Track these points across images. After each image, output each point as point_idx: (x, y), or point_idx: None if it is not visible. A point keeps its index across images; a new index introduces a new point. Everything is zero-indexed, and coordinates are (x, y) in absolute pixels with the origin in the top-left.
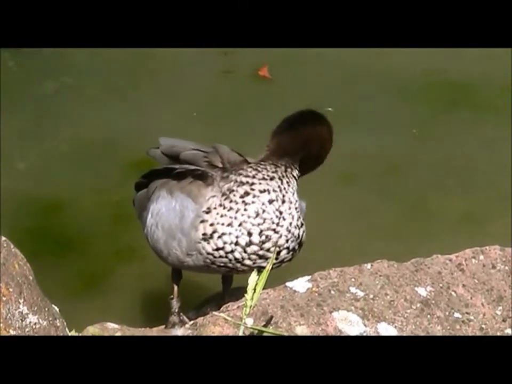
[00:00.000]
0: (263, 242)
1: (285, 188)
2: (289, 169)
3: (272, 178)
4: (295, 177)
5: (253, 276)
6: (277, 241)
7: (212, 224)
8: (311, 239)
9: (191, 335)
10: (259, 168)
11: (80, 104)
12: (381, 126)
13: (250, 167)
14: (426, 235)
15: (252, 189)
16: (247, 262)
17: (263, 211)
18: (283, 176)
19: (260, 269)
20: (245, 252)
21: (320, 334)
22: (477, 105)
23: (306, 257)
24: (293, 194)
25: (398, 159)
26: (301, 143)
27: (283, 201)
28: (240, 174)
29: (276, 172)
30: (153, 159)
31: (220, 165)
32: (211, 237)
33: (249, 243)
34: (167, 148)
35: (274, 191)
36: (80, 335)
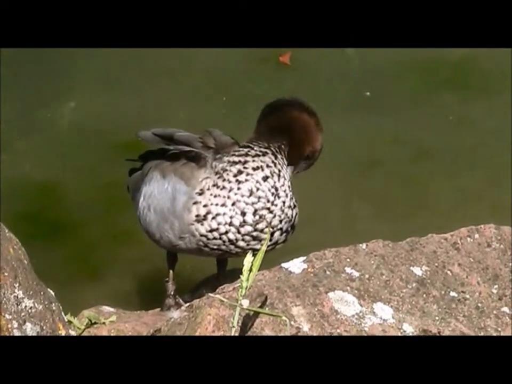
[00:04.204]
0: (257, 223)
1: (279, 163)
2: (282, 146)
3: (265, 154)
4: (286, 158)
5: (248, 257)
6: (270, 222)
7: (205, 205)
8: (306, 220)
9: (187, 317)
10: (251, 145)
11: (75, 88)
12: (400, 113)
13: (243, 145)
14: (421, 214)
15: (245, 167)
16: (241, 243)
17: (257, 189)
18: (277, 152)
19: (254, 251)
20: (239, 232)
21: (316, 315)
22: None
23: (301, 238)
24: (286, 171)
25: (418, 144)
26: (284, 124)
27: (278, 176)
28: (233, 155)
29: (269, 147)
30: (143, 141)
31: (213, 146)
32: (205, 218)
33: (243, 223)
34: (160, 129)
35: (268, 166)
36: (76, 319)
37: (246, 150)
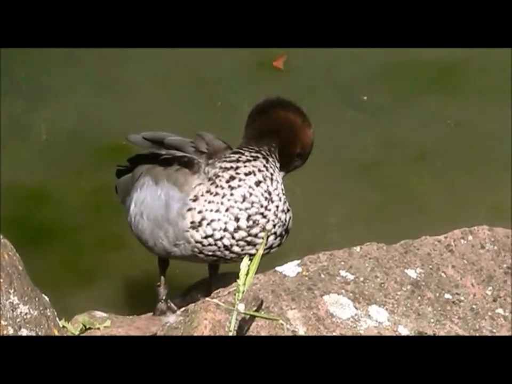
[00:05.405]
0: (251, 228)
1: (271, 167)
2: (272, 149)
3: (256, 159)
4: (277, 159)
5: (245, 261)
6: (264, 226)
7: (200, 212)
8: (300, 223)
9: (183, 322)
10: (241, 151)
11: (64, 93)
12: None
13: (233, 151)
14: (414, 216)
15: (237, 173)
16: (236, 249)
17: (250, 194)
18: (268, 155)
19: (249, 256)
20: (233, 238)
21: (312, 318)
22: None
23: (295, 241)
24: (279, 174)
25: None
26: (272, 126)
27: (271, 180)
28: (225, 160)
29: (259, 151)
30: (133, 145)
31: (206, 151)
32: (200, 224)
33: (237, 228)
34: (150, 133)
35: (260, 171)
36: (69, 324)
37: (236, 156)
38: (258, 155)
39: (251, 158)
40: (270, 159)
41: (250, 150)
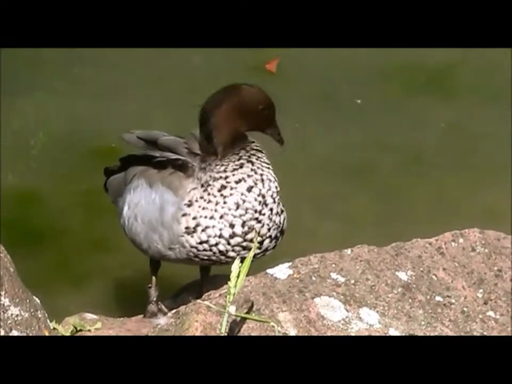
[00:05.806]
0: (246, 233)
1: (258, 167)
2: (248, 147)
3: (241, 166)
4: (259, 150)
5: (236, 263)
6: (259, 231)
7: (194, 218)
8: (292, 225)
9: (174, 324)
10: (224, 163)
11: (54, 96)
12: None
13: (217, 164)
14: (405, 219)
15: (228, 182)
16: (231, 254)
17: (244, 201)
18: (250, 156)
19: (240, 258)
20: (229, 244)
21: (303, 320)
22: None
23: (286, 244)
24: (268, 168)
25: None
26: (230, 127)
27: (262, 181)
28: (212, 170)
29: (240, 157)
30: (127, 144)
31: (199, 152)
32: (194, 230)
33: (233, 235)
34: (144, 132)
35: (249, 176)
36: (60, 326)
37: (222, 167)
38: (242, 161)
39: (236, 167)
40: (254, 159)
41: (232, 160)
